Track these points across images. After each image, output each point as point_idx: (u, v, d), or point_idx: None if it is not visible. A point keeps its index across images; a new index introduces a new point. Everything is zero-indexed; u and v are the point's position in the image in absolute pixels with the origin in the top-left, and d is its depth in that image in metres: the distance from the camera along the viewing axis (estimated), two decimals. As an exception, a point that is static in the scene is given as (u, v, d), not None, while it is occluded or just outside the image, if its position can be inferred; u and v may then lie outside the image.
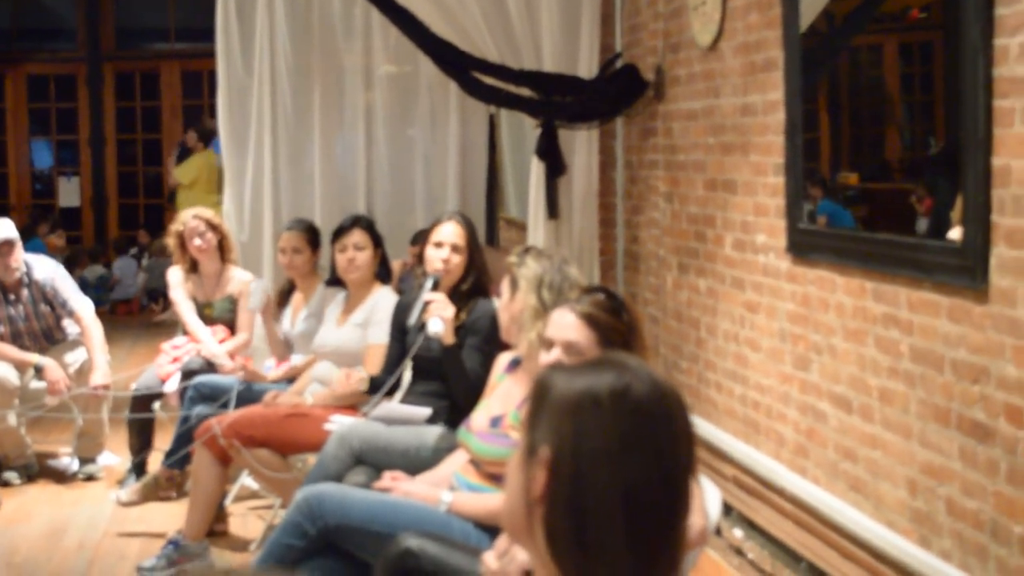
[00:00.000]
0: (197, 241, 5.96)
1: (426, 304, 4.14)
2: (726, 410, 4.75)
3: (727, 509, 4.58)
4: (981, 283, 3.08)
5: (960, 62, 3.12)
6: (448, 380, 4.20)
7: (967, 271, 3.13)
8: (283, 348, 5.68)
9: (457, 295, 4.31)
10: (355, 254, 4.92)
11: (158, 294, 11.18)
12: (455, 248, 4.34)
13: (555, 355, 2.98)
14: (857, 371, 3.73)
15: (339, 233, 4.98)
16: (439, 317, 4.08)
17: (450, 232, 4.37)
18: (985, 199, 3.05)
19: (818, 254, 3.98)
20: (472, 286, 4.37)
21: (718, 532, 4.69)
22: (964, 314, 3.18)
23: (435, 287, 4.23)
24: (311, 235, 5.64)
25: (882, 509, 3.62)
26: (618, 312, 3.05)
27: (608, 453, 1.46)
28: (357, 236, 4.94)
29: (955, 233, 3.25)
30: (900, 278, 3.48)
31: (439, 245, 4.35)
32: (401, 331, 4.51)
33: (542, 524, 1.50)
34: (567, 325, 3.02)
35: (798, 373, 4.13)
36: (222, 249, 6.07)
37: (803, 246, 4.09)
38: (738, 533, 4.60)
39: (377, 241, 5.02)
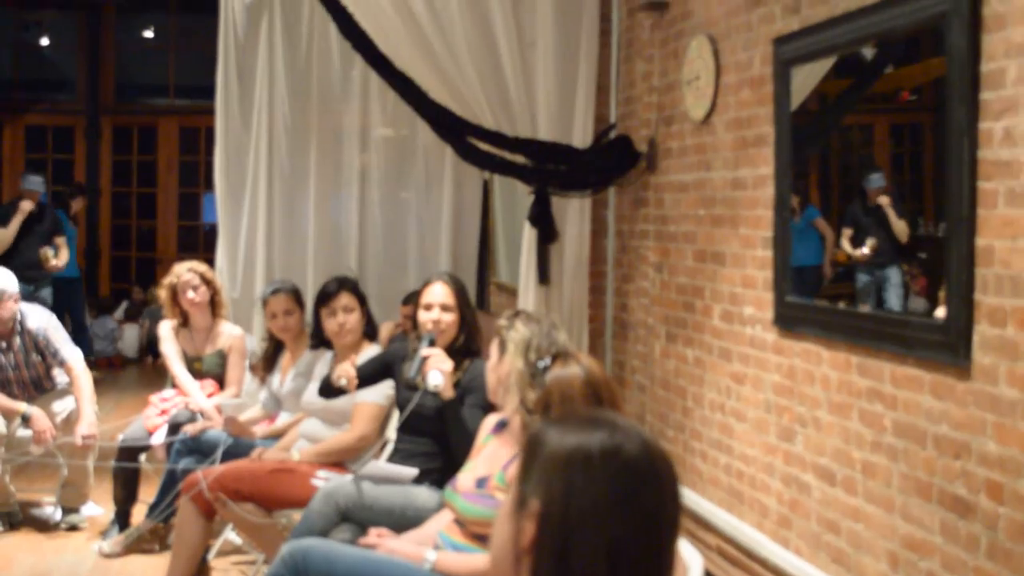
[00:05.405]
0: (190, 294, 6.00)
1: (424, 359, 4.13)
2: (711, 479, 4.78)
3: (709, 578, 4.59)
4: (964, 360, 3.13)
5: (946, 144, 3.20)
6: (449, 436, 4.15)
7: (950, 348, 3.18)
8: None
9: (452, 353, 4.31)
10: (345, 317, 4.95)
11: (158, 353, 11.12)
12: (445, 308, 4.37)
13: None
14: (841, 444, 3.77)
15: (326, 298, 4.98)
16: (438, 370, 4.08)
17: (438, 293, 4.40)
18: (969, 278, 3.11)
19: (804, 327, 4.03)
20: (465, 344, 4.39)
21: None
22: (947, 390, 3.23)
23: (431, 345, 4.24)
24: (298, 296, 5.66)
25: (862, 582, 3.64)
26: None
27: (596, 509, 1.49)
28: (345, 299, 4.96)
29: (941, 311, 3.31)
30: (884, 353, 3.53)
31: (428, 307, 4.38)
32: (385, 366, 4.51)
33: (529, 574, 1.53)
34: None
35: (783, 444, 4.17)
36: (213, 304, 6.12)
37: (790, 319, 4.14)
38: (719, 603, 4.61)
39: (362, 300, 5.06)
